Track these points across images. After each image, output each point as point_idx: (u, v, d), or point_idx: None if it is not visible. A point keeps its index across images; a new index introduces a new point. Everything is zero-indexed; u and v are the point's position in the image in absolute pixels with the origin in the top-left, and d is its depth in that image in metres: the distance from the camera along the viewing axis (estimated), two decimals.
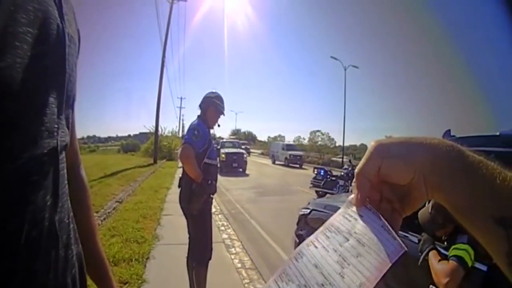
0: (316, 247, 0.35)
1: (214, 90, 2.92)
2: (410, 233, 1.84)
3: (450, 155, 0.34)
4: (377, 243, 0.32)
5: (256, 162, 25.33)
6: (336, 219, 0.38)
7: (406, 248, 0.31)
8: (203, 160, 2.65)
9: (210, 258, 2.71)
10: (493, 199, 0.32)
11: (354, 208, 0.37)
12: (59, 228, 0.49)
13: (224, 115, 2.89)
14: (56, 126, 0.48)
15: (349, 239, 0.34)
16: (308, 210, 2.98)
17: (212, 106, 2.79)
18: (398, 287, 1.73)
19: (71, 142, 0.61)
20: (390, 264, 0.31)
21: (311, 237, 0.37)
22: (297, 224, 3.15)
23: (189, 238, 2.77)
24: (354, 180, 0.38)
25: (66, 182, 0.54)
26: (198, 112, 2.85)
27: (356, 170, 0.37)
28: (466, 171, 0.33)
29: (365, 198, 0.37)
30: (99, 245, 0.78)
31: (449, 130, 2.00)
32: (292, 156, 24.04)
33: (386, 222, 0.34)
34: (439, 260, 1.50)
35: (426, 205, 1.63)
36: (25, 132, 0.43)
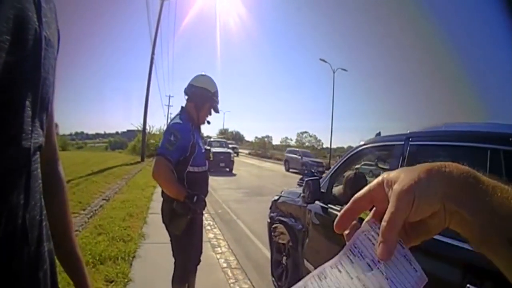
0: (340, 271, 0.36)
1: (203, 73, 2.37)
2: None
3: (468, 182, 0.34)
4: (399, 275, 0.33)
5: (241, 162, 25.62)
6: (360, 239, 0.37)
7: (427, 279, 0.33)
8: (186, 169, 2.13)
9: (198, 263, 2.50)
10: (509, 222, 0.32)
11: (377, 230, 0.36)
12: (29, 226, 0.51)
13: (218, 113, 2.38)
14: (30, 128, 0.49)
15: (372, 269, 0.34)
16: (278, 197, 3.60)
17: (209, 103, 2.27)
18: None
19: (49, 140, 0.64)
20: None
21: (335, 259, 0.37)
22: (270, 208, 3.70)
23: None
24: (382, 230, 0.34)
25: (39, 181, 0.56)
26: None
27: (386, 224, 0.34)
28: (484, 196, 0.33)
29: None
30: (74, 240, 0.78)
31: (380, 132, 2.53)
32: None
33: (408, 251, 0.34)
34: None
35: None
36: (3, 134, 0.44)
